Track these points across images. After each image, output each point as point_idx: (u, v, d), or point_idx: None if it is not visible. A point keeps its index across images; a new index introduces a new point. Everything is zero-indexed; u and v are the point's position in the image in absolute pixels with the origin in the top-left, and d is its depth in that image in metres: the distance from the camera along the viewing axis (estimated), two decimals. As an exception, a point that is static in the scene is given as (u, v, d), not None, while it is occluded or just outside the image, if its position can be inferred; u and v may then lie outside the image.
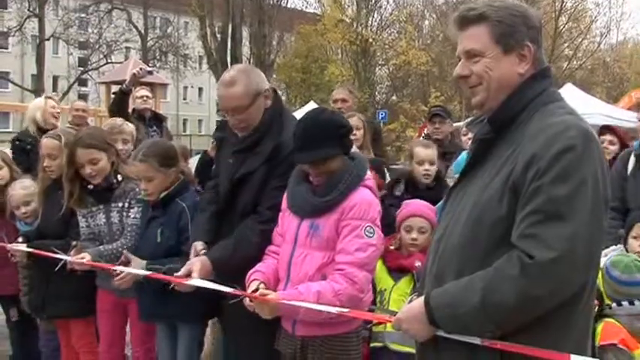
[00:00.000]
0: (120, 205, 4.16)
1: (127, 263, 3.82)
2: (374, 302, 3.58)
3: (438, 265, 2.28)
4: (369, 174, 3.27)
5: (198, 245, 3.54)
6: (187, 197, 3.98)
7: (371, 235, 3.07)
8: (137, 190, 4.11)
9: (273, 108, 3.58)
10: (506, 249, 2.07)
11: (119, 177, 4.20)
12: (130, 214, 4.14)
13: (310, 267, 3.12)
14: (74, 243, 4.12)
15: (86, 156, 4.12)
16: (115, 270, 3.81)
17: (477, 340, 2.11)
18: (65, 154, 4.27)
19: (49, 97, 6.82)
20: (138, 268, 3.75)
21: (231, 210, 3.59)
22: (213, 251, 3.47)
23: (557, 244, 1.97)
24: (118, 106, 6.57)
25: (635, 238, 3.90)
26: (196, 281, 3.28)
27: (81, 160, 4.12)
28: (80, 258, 3.94)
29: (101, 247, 4.08)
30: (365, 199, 3.12)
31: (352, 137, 5.19)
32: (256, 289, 3.11)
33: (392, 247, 3.86)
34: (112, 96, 7.63)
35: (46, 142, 4.52)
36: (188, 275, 3.34)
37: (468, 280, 2.10)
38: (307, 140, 3.10)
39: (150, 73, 7.33)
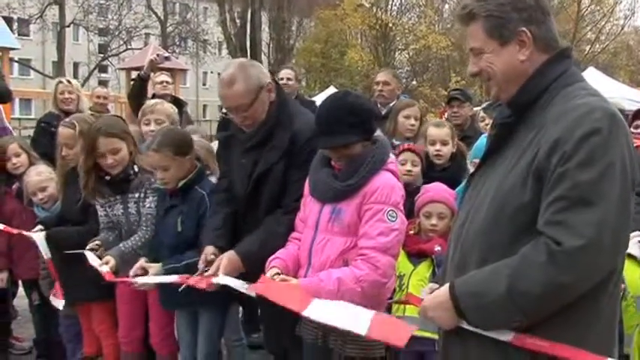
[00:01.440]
0: (137, 195, 4.15)
1: (144, 271, 3.79)
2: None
3: (460, 254, 2.25)
4: (392, 157, 3.24)
5: (209, 250, 3.50)
6: (206, 184, 3.95)
7: (393, 219, 3.03)
8: (152, 180, 4.09)
9: (278, 101, 3.53)
10: (530, 236, 2.03)
11: (136, 167, 4.17)
12: (145, 203, 4.12)
13: (332, 252, 3.10)
14: (96, 242, 4.11)
15: (108, 145, 4.08)
16: (135, 282, 3.77)
17: (508, 336, 2.07)
18: (83, 143, 4.25)
19: (60, 82, 6.69)
20: (155, 274, 3.74)
21: (254, 208, 3.55)
22: (241, 246, 3.43)
23: (585, 230, 1.92)
24: (137, 92, 6.57)
25: None
26: (220, 279, 3.25)
27: (102, 149, 4.08)
28: (105, 262, 3.92)
29: (122, 245, 4.05)
30: (387, 182, 3.09)
31: (410, 127, 5.26)
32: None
33: (411, 232, 3.83)
34: (132, 82, 7.64)
35: (62, 131, 4.53)
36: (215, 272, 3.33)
37: (493, 267, 2.07)
38: (328, 125, 3.08)
39: (167, 59, 7.31)
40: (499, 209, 2.11)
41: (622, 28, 42.73)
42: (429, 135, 4.73)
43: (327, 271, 3.01)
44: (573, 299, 2.01)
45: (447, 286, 2.18)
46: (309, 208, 3.24)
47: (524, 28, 2.15)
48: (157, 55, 6.77)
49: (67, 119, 4.82)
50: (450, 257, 2.33)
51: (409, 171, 4.33)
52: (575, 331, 2.05)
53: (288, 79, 6.92)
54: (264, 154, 3.50)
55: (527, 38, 2.16)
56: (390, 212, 3.03)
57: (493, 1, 2.17)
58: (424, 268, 3.73)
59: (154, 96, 6.89)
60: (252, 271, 3.29)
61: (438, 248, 3.68)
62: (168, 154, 3.82)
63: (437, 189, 3.98)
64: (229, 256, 3.36)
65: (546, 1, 2.25)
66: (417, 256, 3.75)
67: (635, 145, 2.15)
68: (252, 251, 3.38)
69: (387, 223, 3.01)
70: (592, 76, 16.74)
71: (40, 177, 4.77)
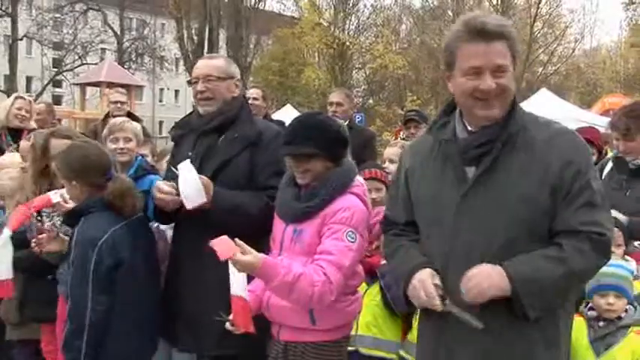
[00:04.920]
0: None
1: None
2: None
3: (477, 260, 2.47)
4: (359, 181, 3.21)
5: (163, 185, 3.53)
6: (91, 221, 3.48)
7: (352, 240, 3.00)
8: None
9: (241, 100, 3.76)
10: (543, 241, 2.42)
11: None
12: None
13: None
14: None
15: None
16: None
17: None
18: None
19: (20, 97, 6.62)
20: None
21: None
22: (221, 190, 3.45)
23: (609, 226, 2.46)
24: None
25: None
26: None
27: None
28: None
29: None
30: (349, 205, 3.06)
31: None
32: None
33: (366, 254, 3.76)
34: (86, 99, 7.54)
35: (54, 144, 4.48)
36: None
37: (540, 255, 2.40)
38: (294, 134, 3.15)
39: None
40: (516, 218, 2.40)
41: (573, 51, 43.78)
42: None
43: (292, 263, 2.96)
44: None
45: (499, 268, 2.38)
46: (276, 226, 3.24)
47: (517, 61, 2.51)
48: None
49: (60, 130, 4.77)
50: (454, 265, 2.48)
51: (373, 198, 4.34)
52: (557, 329, 2.51)
53: (255, 98, 6.88)
54: (222, 145, 3.58)
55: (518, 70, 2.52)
56: (350, 233, 3.01)
57: (514, 31, 2.51)
58: (375, 289, 3.74)
59: (107, 114, 6.81)
60: (214, 215, 3.35)
61: (383, 262, 3.70)
62: (59, 171, 3.62)
63: None
64: (209, 181, 3.42)
65: None
66: (370, 276, 3.74)
67: None
68: (226, 199, 3.42)
69: (346, 242, 2.99)
70: (544, 98, 17.09)
71: (11, 182, 4.61)
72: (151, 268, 3.68)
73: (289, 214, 3.15)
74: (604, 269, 3.47)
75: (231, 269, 2.88)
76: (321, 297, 2.92)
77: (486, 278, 2.36)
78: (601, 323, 3.34)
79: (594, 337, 3.31)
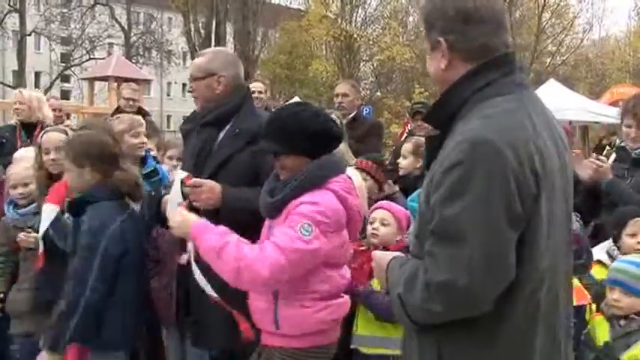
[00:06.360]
0: None
1: None
2: None
3: None
4: (342, 177, 3.00)
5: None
6: (100, 209, 3.46)
7: (307, 233, 2.77)
8: None
9: (242, 94, 3.67)
10: None
11: None
12: None
13: None
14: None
15: None
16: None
17: None
18: None
19: (18, 92, 6.62)
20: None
21: None
22: (230, 188, 3.45)
23: (447, 267, 1.92)
24: None
25: (631, 236, 3.79)
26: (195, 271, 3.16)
27: None
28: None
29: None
30: (315, 200, 2.86)
31: None
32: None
33: (361, 249, 3.70)
34: (95, 94, 7.59)
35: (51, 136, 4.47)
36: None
37: (407, 266, 2.11)
38: (266, 130, 3.03)
39: None
40: (420, 225, 2.13)
41: (581, 41, 43.58)
42: None
43: (230, 233, 2.86)
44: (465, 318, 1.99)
45: (389, 260, 2.23)
46: None
47: (439, 38, 2.12)
48: None
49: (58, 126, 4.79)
50: None
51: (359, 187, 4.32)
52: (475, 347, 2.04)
53: (260, 92, 6.96)
54: (223, 140, 3.57)
55: (443, 47, 2.11)
56: (305, 226, 2.79)
57: (429, 7, 2.18)
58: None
59: (118, 108, 6.85)
60: (223, 213, 3.34)
61: (361, 287, 3.59)
62: (66, 156, 3.59)
63: (387, 201, 4.00)
64: (214, 184, 3.42)
65: (475, 9, 2.11)
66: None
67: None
68: (235, 197, 3.42)
69: (296, 233, 2.78)
70: (553, 88, 17.02)
71: (25, 172, 4.61)
72: (142, 257, 3.74)
73: (262, 209, 3.05)
74: (615, 264, 3.38)
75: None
76: (249, 272, 2.74)
77: (378, 271, 2.31)
78: (622, 322, 3.24)
79: (615, 336, 3.22)
